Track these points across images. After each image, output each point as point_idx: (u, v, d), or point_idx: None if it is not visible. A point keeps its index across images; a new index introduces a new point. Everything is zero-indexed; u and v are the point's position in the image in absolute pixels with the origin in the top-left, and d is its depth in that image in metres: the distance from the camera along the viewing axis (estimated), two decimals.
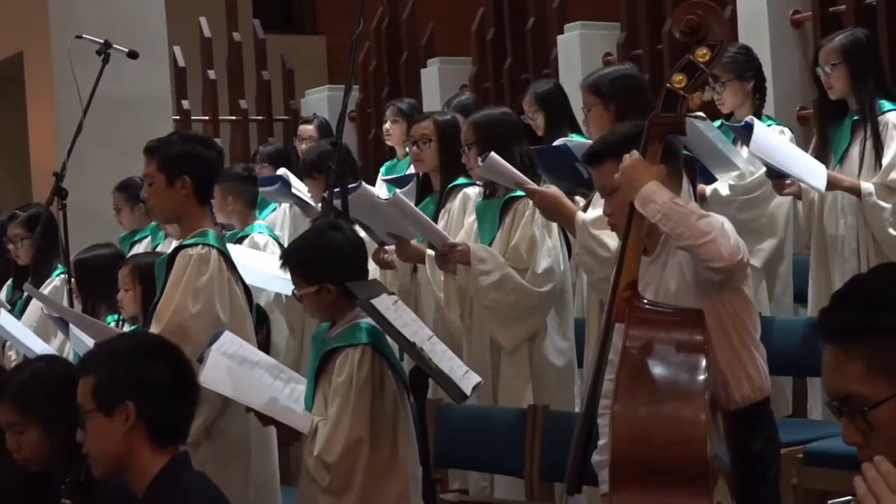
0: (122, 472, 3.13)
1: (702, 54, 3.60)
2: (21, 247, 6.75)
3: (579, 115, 5.64)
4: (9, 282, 6.97)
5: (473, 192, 5.57)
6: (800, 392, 5.66)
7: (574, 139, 5.54)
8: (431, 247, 5.30)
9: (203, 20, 10.78)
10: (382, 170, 7.55)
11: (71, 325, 5.09)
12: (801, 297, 5.76)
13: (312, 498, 3.92)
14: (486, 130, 5.28)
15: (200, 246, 4.34)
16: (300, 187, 6.81)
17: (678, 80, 3.59)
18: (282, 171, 7.04)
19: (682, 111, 3.59)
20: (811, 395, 5.51)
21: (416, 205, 5.62)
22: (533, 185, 4.84)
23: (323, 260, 4.01)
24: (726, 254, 3.41)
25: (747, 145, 4.94)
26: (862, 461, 1.95)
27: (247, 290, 4.48)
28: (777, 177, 5.17)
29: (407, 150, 6.14)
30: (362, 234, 5.63)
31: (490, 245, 5.23)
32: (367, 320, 3.94)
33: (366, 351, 3.90)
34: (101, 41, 6.06)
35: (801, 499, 4.76)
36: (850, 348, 1.97)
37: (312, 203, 6.67)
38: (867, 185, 5.22)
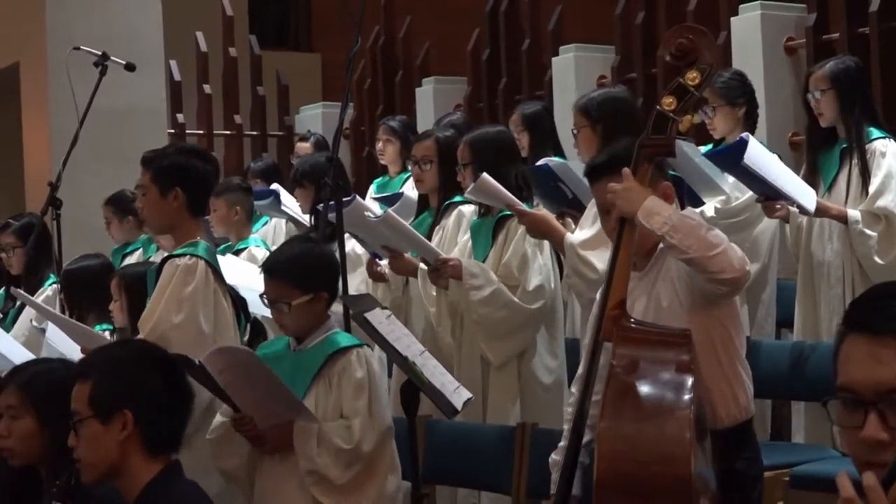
0: (113, 479, 3.13)
1: (692, 78, 3.62)
2: (13, 256, 6.78)
3: (569, 138, 5.68)
4: (0, 290, 6.98)
5: (468, 209, 5.60)
6: (781, 416, 5.69)
7: (555, 160, 5.58)
8: (425, 262, 5.33)
9: (199, 35, 10.83)
10: (373, 187, 7.57)
11: (47, 336, 5.08)
12: (786, 322, 5.79)
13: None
14: (481, 150, 5.30)
15: (188, 257, 4.36)
16: (290, 204, 6.83)
17: (668, 102, 3.61)
18: (275, 186, 7.07)
19: (671, 133, 3.60)
20: (795, 418, 5.53)
21: (414, 220, 5.65)
22: (522, 207, 4.87)
23: (319, 269, 4.10)
24: (737, 265, 3.43)
25: (738, 163, 4.96)
26: (877, 461, 1.93)
27: (235, 303, 4.50)
28: (767, 199, 5.20)
29: (409, 167, 6.14)
30: (356, 245, 5.68)
31: (483, 263, 5.25)
32: (339, 332, 4.10)
33: (370, 352, 4.06)
34: (99, 53, 6.10)
35: None
36: None
37: (301, 217, 6.70)
38: (854, 213, 5.25)
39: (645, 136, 3.61)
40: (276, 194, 6.85)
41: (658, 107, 3.62)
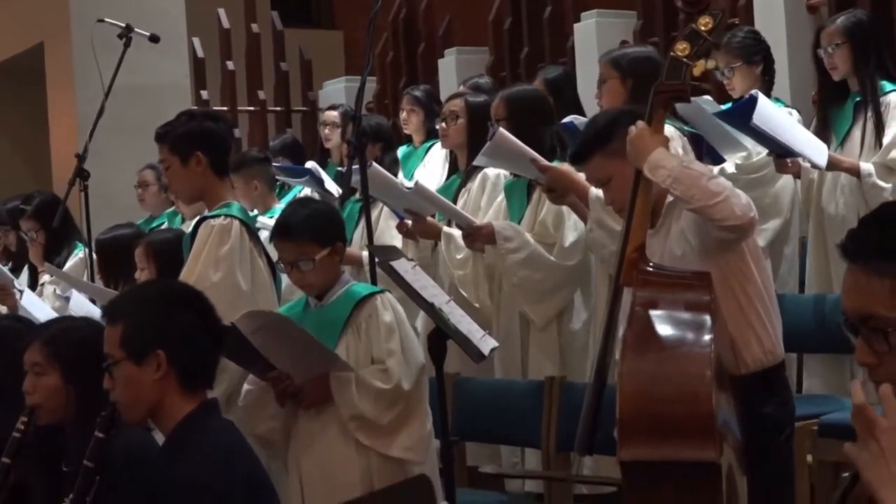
0: (152, 418, 3.16)
1: (704, 23, 3.68)
2: (38, 238, 6.77)
3: (587, 101, 5.69)
4: (27, 266, 7.02)
5: (493, 172, 5.61)
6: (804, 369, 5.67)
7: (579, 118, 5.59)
8: (457, 226, 5.34)
9: (221, 11, 10.84)
10: (399, 155, 7.57)
11: (70, 306, 5.12)
12: None
13: (347, 456, 4.05)
14: (518, 106, 5.30)
15: (223, 217, 4.41)
16: (330, 184, 6.81)
17: (682, 48, 3.66)
18: (311, 164, 7.01)
19: (686, 79, 3.65)
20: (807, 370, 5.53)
21: (444, 182, 5.69)
22: (545, 162, 4.87)
23: (332, 222, 4.18)
24: (739, 212, 3.46)
25: (747, 122, 4.96)
26: (873, 381, 2.02)
27: (271, 262, 4.53)
28: (779, 155, 5.20)
29: (438, 127, 6.17)
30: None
31: (519, 222, 5.25)
32: (357, 283, 4.22)
33: (392, 296, 4.15)
34: (123, 25, 6.12)
35: (817, 471, 4.79)
36: (879, 268, 2.01)
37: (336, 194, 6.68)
38: (867, 166, 5.25)
39: (660, 82, 3.67)
40: (311, 173, 6.80)
41: (671, 53, 3.67)
